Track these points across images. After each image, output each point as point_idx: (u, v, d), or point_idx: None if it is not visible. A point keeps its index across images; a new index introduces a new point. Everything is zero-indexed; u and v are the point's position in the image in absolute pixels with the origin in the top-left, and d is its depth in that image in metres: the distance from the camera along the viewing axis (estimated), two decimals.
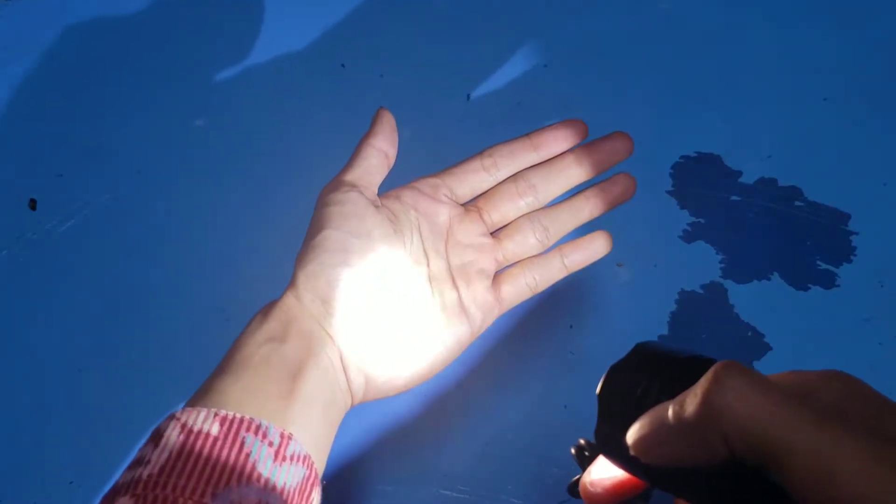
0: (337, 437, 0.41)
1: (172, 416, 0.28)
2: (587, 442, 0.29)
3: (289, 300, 0.33)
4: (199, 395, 0.30)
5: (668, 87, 0.47)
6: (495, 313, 0.37)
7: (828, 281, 0.43)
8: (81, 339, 0.44)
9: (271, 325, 0.32)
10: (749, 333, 0.41)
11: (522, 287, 0.38)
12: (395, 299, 0.35)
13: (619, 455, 0.24)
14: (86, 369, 0.43)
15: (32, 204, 0.47)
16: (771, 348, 0.41)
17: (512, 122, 0.47)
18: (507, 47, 0.48)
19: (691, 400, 0.20)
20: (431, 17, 0.50)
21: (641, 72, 0.47)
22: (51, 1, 0.52)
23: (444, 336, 0.36)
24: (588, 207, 0.38)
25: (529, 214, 0.38)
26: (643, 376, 0.24)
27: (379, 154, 0.36)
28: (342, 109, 0.48)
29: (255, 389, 0.29)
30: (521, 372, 0.42)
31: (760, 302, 0.42)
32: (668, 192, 0.45)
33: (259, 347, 0.31)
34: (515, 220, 0.38)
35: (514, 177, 0.38)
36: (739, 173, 0.45)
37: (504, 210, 0.38)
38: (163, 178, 0.47)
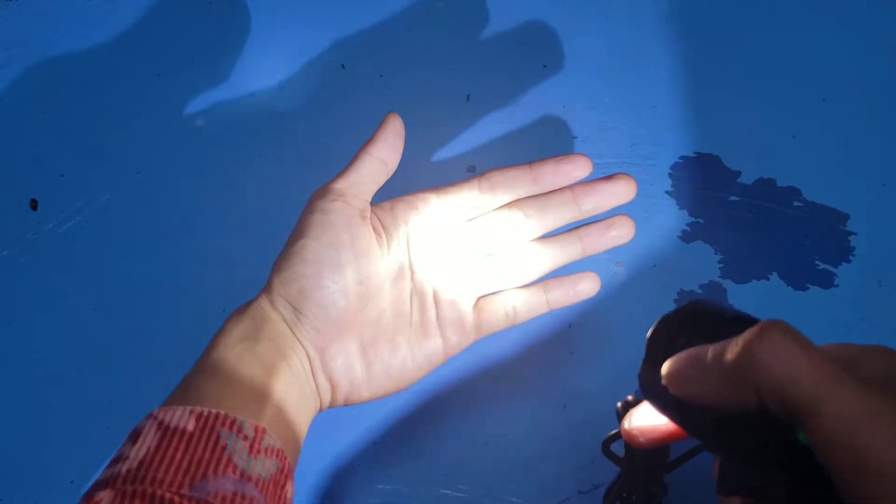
0: (337, 436, 0.41)
1: (150, 415, 0.29)
2: (634, 398, 0.31)
3: (262, 302, 0.34)
4: (177, 394, 0.31)
5: (667, 88, 0.47)
6: (471, 338, 0.37)
7: (826, 281, 0.43)
8: (81, 339, 0.44)
9: (245, 326, 0.33)
10: None
11: (501, 316, 0.37)
12: (369, 312, 0.35)
13: (658, 398, 0.25)
14: (86, 369, 0.43)
15: (33, 204, 0.47)
16: None
17: (512, 122, 0.47)
18: (507, 47, 0.48)
19: (732, 347, 0.20)
20: (431, 17, 0.50)
21: (641, 72, 0.47)
22: (51, 1, 0.52)
23: (416, 353, 0.36)
24: (580, 246, 0.38)
25: (518, 245, 0.38)
26: (691, 328, 0.25)
27: (376, 162, 0.36)
28: (342, 109, 0.48)
29: (230, 387, 0.30)
30: (521, 371, 0.42)
31: (759, 302, 0.42)
32: (668, 193, 0.45)
33: (234, 347, 0.32)
34: (504, 248, 0.38)
35: (509, 205, 0.38)
36: (738, 173, 0.45)
37: (494, 237, 0.38)
38: (163, 178, 0.47)
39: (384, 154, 0.36)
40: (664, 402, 0.25)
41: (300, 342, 0.33)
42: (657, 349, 0.26)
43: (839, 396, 0.18)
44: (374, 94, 0.48)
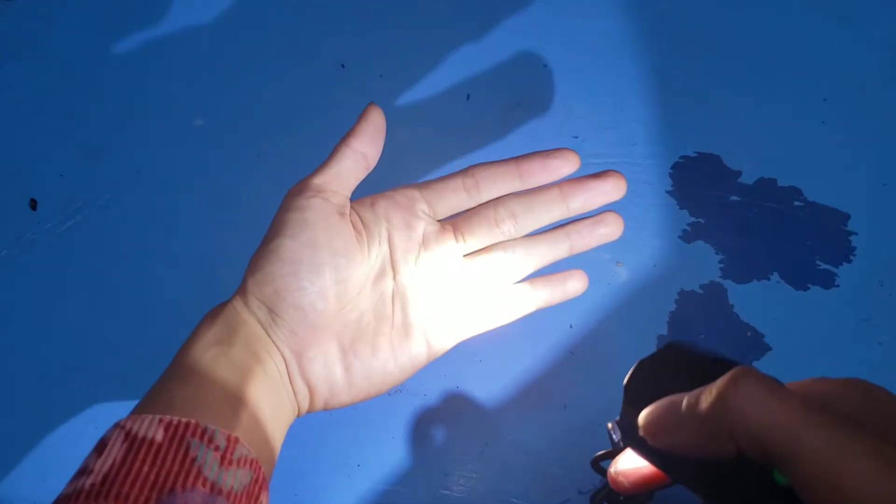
0: (336, 436, 0.41)
1: (117, 425, 0.27)
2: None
3: (236, 304, 0.32)
4: (147, 401, 0.29)
5: (667, 87, 0.47)
6: (456, 339, 0.36)
7: (827, 281, 0.43)
8: (81, 339, 0.44)
9: (218, 329, 0.31)
10: (748, 333, 0.42)
11: (487, 316, 0.36)
12: (349, 314, 0.34)
13: (639, 443, 0.25)
14: (85, 369, 0.43)
15: (32, 204, 0.47)
16: (770, 348, 0.41)
17: (512, 122, 0.47)
18: (507, 47, 0.48)
19: (706, 396, 0.21)
20: (431, 17, 0.50)
21: (641, 71, 0.47)
22: (51, 1, 0.52)
23: (399, 355, 0.34)
24: (568, 243, 0.37)
25: (505, 243, 0.37)
26: (669, 372, 0.25)
27: (355, 156, 0.34)
28: (342, 109, 0.48)
29: (201, 394, 0.29)
30: (521, 372, 0.42)
31: (760, 302, 0.42)
32: (668, 192, 0.45)
33: (206, 351, 0.30)
34: (490, 246, 0.37)
35: (494, 202, 0.36)
36: (739, 173, 0.45)
37: (480, 235, 0.36)
38: (163, 178, 0.47)
39: (364, 147, 0.34)
40: (645, 448, 0.25)
41: (276, 346, 0.32)
42: (637, 392, 0.26)
43: (813, 438, 0.18)
44: (374, 94, 0.48)
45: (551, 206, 0.36)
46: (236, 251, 0.45)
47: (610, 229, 0.36)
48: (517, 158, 0.36)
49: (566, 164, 0.36)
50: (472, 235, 0.36)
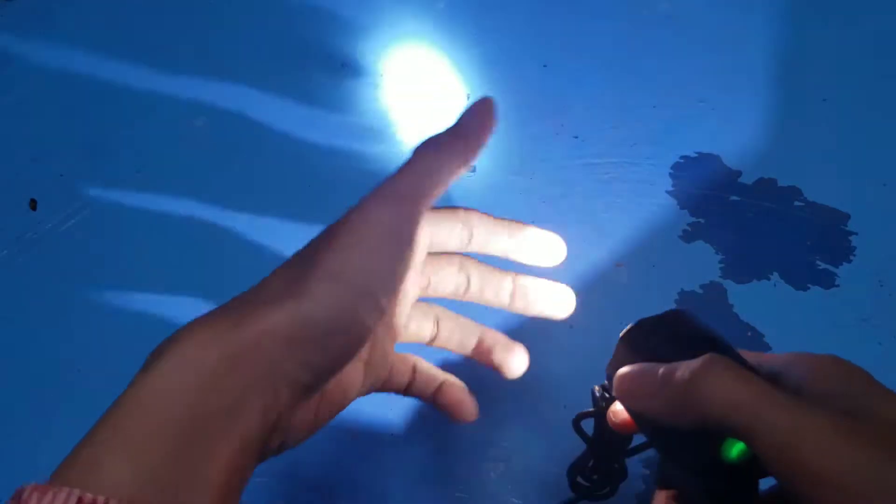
0: (335, 436, 0.41)
1: (30, 488, 0.20)
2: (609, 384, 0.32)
3: (276, 317, 0.22)
4: (75, 458, 0.21)
5: (667, 87, 0.47)
6: (377, 387, 0.31)
7: (827, 281, 0.43)
8: (81, 339, 0.44)
9: (209, 363, 0.22)
10: (748, 333, 0.42)
11: (431, 370, 0.33)
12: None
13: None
14: (85, 369, 0.43)
15: (32, 204, 0.47)
16: (770, 348, 0.41)
17: (512, 122, 0.47)
18: (508, 47, 0.48)
19: (681, 372, 0.23)
20: (432, 18, 0.50)
21: (641, 72, 0.47)
22: (51, 1, 0.52)
23: (351, 397, 0.29)
24: (472, 344, 0.33)
25: (456, 318, 0.33)
26: (662, 338, 0.27)
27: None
28: (342, 109, 0.48)
29: (167, 471, 0.20)
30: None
31: (760, 302, 0.42)
32: (668, 192, 0.45)
33: (177, 404, 0.21)
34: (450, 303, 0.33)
35: (461, 260, 0.32)
36: (739, 173, 0.45)
37: (446, 290, 0.32)
38: (163, 178, 0.47)
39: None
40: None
41: (288, 385, 0.23)
42: (627, 351, 0.27)
43: (773, 416, 0.20)
44: (374, 94, 0.48)
45: (500, 294, 0.33)
46: (236, 251, 0.45)
47: (514, 355, 0.33)
48: (510, 222, 0.32)
49: (555, 258, 0.32)
50: (442, 285, 0.32)
